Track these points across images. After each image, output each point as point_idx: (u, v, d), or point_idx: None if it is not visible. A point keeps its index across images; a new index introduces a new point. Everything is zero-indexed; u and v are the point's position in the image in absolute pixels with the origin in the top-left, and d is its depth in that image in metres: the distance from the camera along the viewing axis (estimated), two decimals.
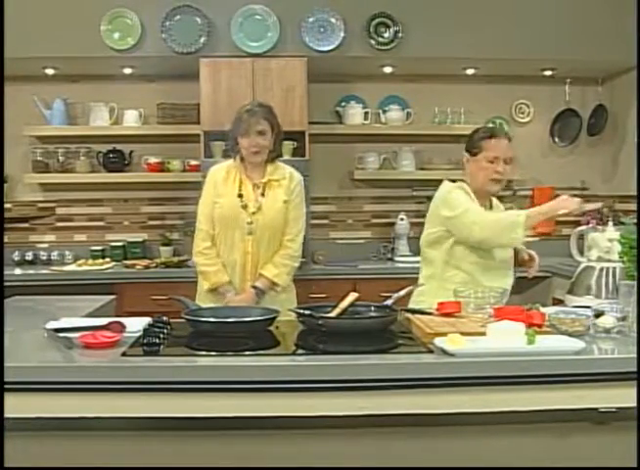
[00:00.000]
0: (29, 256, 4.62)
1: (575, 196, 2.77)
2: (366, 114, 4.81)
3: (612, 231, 2.76)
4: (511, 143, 2.86)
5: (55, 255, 4.66)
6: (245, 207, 2.90)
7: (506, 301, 2.71)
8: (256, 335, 2.17)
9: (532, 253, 2.87)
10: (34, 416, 1.83)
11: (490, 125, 2.96)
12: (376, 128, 4.86)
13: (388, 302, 2.37)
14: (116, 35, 4.25)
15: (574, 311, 2.24)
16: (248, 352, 2.03)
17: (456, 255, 2.78)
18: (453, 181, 2.87)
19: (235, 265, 2.91)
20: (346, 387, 1.83)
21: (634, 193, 4.40)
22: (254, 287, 2.89)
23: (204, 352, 2.06)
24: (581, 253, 2.92)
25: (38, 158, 4.62)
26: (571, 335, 2.05)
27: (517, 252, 2.89)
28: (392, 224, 4.89)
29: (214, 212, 2.92)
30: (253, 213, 2.89)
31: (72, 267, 4.40)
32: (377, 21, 4.39)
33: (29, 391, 1.81)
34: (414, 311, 2.37)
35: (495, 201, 2.98)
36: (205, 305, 2.58)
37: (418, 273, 2.96)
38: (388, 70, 4.72)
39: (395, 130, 4.84)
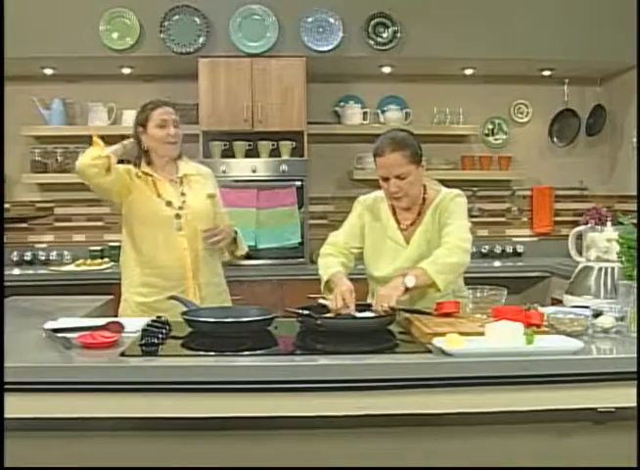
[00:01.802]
0: (28, 256, 4.62)
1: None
2: (365, 114, 4.81)
3: (610, 231, 2.76)
4: (405, 152, 2.53)
5: (53, 255, 4.66)
6: (169, 203, 2.76)
7: None
8: (255, 335, 2.17)
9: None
10: (33, 416, 1.83)
11: (386, 137, 2.63)
12: (375, 128, 4.84)
13: None
14: (115, 35, 4.25)
15: (573, 311, 2.24)
16: (246, 353, 2.03)
17: None
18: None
19: (171, 266, 2.74)
20: (345, 387, 1.83)
21: (633, 193, 4.40)
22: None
23: (202, 353, 2.06)
24: (580, 253, 2.92)
25: (37, 158, 4.62)
26: (569, 335, 2.05)
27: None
28: None
29: (134, 212, 2.76)
30: (180, 208, 2.77)
31: (71, 267, 4.40)
32: (376, 21, 4.39)
33: (28, 391, 1.81)
34: (413, 311, 2.37)
35: (440, 192, 2.66)
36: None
37: None
38: (386, 70, 4.73)
39: None
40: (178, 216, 2.76)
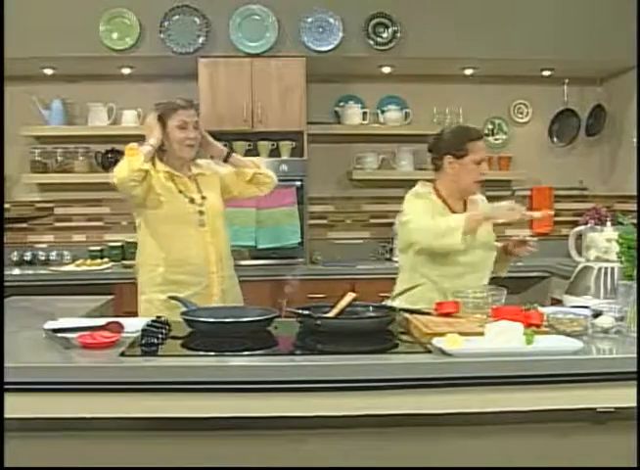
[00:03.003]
0: (28, 256, 4.62)
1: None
2: (365, 114, 4.81)
3: (610, 231, 2.76)
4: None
5: (53, 255, 4.66)
6: (192, 200, 2.83)
7: None
8: (255, 335, 2.17)
9: (520, 236, 2.87)
10: (33, 416, 1.83)
11: (469, 125, 2.95)
12: (374, 128, 4.86)
13: (387, 302, 2.38)
14: (115, 35, 4.25)
15: (573, 311, 2.25)
16: (246, 353, 2.03)
17: (419, 263, 2.79)
18: (429, 181, 2.88)
19: (196, 262, 2.80)
20: (345, 387, 1.83)
21: (632, 193, 4.40)
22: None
23: (202, 353, 2.06)
24: (580, 253, 2.92)
25: (36, 158, 4.62)
26: (569, 335, 2.05)
27: (503, 246, 2.91)
28: (391, 224, 4.87)
29: (158, 210, 2.80)
30: (201, 205, 2.84)
31: (71, 267, 4.40)
32: (375, 21, 4.39)
33: (28, 391, 1.81)
34: (412, 311, 2.37)
35: (478, 196, 2.95)
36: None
37: None
38: (386, 70, 4.73)
39: (394, 130, 4.85)
40: (201, 213, 2.82)
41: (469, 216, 2.69)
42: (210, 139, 3.00)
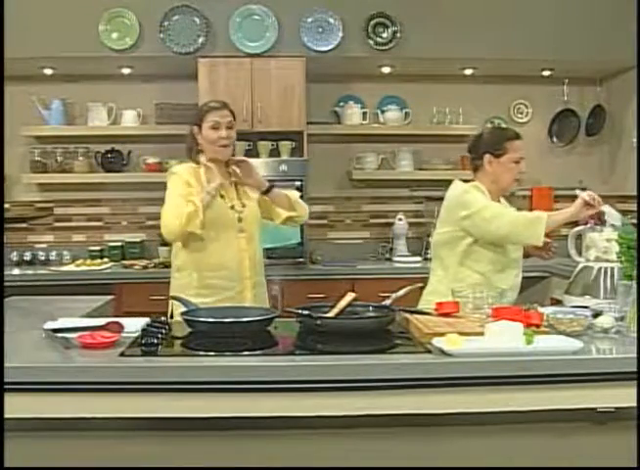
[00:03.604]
0: (27, 256, 4.62)
1: (574, 196, 2.78)
2: (364, 114, 4.81)
3: (610, 231, 2.76)
4: None
5: (53, 255, 4.66)
6: (232, 207, 2.84)
7: (516, 295, 2.83)
8: (255, 335, 2.17)
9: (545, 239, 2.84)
10: (33, 416, 1.83)
11: (502, 125, 3.06)
12: (374, 128, 4.86)
13: (387, 302, 2.38)
14: (115, 35, 4.25)
15: (573, 311, 2.25)
16: (246, 353, 2.03)
17: (471, 256, 2.81)
18: (465, 181, 2.90)
19: (231, 267, 2.84)
20: (345, 387, 1.83)
21: (632, 193, 4.41)
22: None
23: (202, 353, 2.06)
24: (579, 253, 2.92)
25: (36, 158, 4.62)
26: (569, 335, 2.05)
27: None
28: (391, 224, 4.89)
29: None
30: (241, 212, 2.85)
31: (71, 268, 4.40)
32: (375, 21, 4.39)
33: (28, 391, 1.81)
34: (412, 311, 2.37)
35: (502, 200, 3.02)
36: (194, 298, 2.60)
37: (416, 273, 2.97)
38: (386, 70, 4.73)
39: (394, 130, 4.85)
40: (240, 220, 2.84)
41: (552, 213, 2.78)
42: (252, 166, 2.88)
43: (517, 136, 2.88)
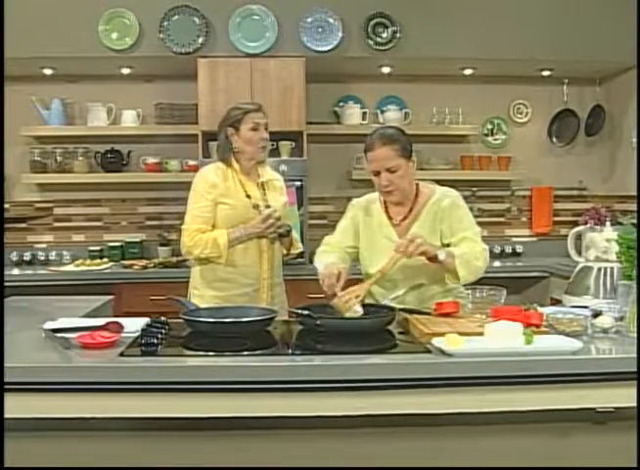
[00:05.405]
0: (27, 256, 4.62)
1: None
2: (364, 114, 4.81)
3: (609, 231, 2.77)
4: (396, 145, 2.58)
5: (53, 255, 4.66)
6: (256, 206, 2.86)
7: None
8: (254, 335, 2.17)
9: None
10: (33, 416, 1.83)
11: (375, 133, 2.71)
12: (374, 128, 4.85)
13: (387, 301, 2.38)
14: (114, 35, 4.25)
15: (572, 311, 2.25)
16: (246, 353, 2.03)
17: None
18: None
19: (250, 266, 2.86)
20: (344, 387, 1.83)
21: (632, 193, 4.41)
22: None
23: (201, 353, 2.06)
24: (579, 253, 2.93)
25: (36, 158, 4.62)
26: (568, 335, 2.05)
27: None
28: None
29: (221, 214, 2.83)
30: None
31: (70, 268, 4.40)
32: (375, 21, 4.39)
33: (28, 391, 1.81)
34: (412, 311, 2.37)
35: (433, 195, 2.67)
36: (203, 302, 2.64)
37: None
38: (386, 70, 4.73)
39: None
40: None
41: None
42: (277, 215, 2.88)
43: (366, 148, 2.62)
